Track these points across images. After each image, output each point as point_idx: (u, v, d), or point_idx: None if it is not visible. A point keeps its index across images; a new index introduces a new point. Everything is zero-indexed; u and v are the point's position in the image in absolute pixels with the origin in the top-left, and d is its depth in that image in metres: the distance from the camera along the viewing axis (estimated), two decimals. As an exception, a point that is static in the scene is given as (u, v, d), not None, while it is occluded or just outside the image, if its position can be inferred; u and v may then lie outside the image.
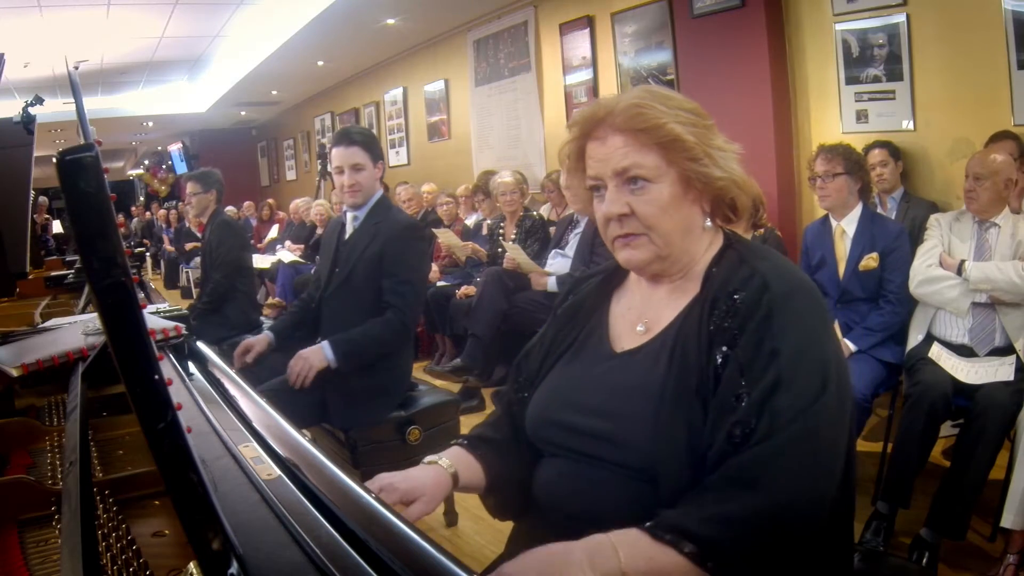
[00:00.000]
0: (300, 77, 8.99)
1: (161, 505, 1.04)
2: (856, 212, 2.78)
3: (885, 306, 2.67)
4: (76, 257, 3.75)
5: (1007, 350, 2.41)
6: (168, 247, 10.64)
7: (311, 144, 10.71)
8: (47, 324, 1.94)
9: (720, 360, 0.95)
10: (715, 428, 0.92)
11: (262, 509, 0.83)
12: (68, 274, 3.32)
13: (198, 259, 5.71)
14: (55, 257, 4.63)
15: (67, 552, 0.74)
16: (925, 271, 2.55)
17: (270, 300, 6.84)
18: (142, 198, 17.28)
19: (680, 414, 0.95)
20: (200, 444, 1.01)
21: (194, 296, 6.79)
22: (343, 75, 9.11)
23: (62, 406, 1.48)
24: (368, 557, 0.71)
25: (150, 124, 12.21)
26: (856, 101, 3.80)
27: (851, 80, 3.79)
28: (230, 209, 7.42)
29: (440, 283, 4.99)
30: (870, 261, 2.69)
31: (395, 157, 8.51)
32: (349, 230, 2.47)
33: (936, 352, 2.45)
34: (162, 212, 12.44)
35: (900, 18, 3.54)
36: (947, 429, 2.44)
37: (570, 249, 4.00)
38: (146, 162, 17.27)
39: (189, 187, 3.93)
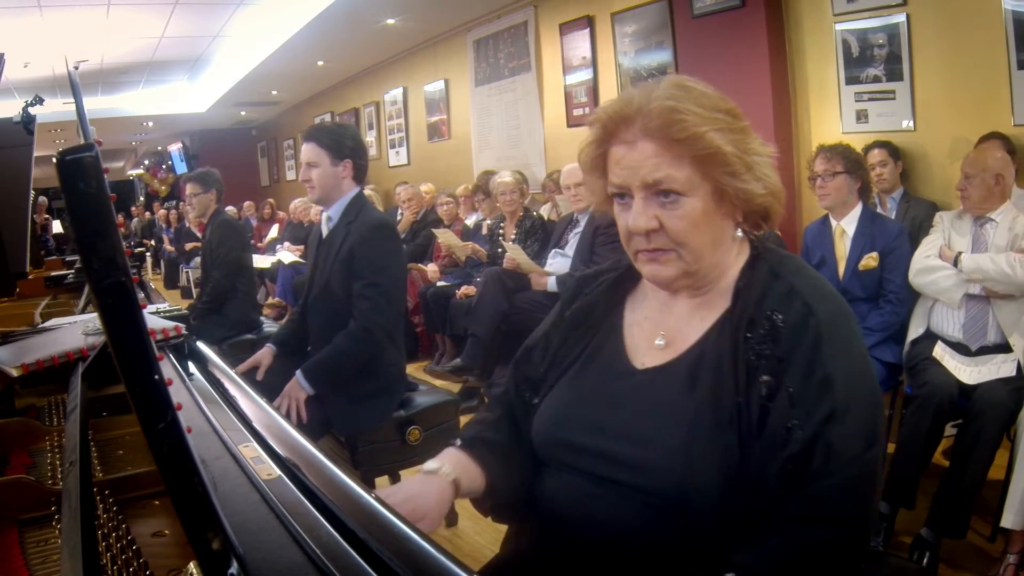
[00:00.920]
0: (300, 77, 8.99)
1: (161, 505, 1.04)
2: (856, 212, 2.78)
3: (885, 306, 2.68)
4: (76, 257, 3.75)
5: (1000, 347, 2.42)
6: (168, 247, 10.65)
7: (311, 144, 10.69)
8: (47, 324, 1.94)
9: (765, 392, 0.89)
10: (765, 461, 0.87)
11: (262, 509, 0.83)
12: (68, 274, 3.33)
13: (198, 259, 5.72)
14: (55, 257, 4.64)
15: (67, 552, 0.74)
16: (923, 261, 2.59)
17: (270, 300, 6.84)
18: (142, 198, 17.28)
19: (715, 442, 0.90)
20: (200, 444, 1.01)
21: (194, 296, 6.78)
22: (343, 75, 9.11)
23: (62, 406, 1.48)
24: (368, 557, 0.71)
25: (150, 124, 12.22)
26: (856, 101, 3.80)
27: (851, 80, 3.79)
28: (230, 209, 7.42)
29: (440, 283, 4.99)
30: (870, 261, 2.69)
31: (395, 157, 8.52)
32: (324, 231, 2.44)
33: (939, 352, 2.46)
34: (162, 212, 12.44)
35: (900, 18, 3.54)
36: (946, 429, 2.44)
37: (570, 249, 4.00)
38: (146, 162, 17.28)
39: (189, 188, 3.93)
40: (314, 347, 2.39)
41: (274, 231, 8.80)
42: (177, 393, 1.10)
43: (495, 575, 1.08)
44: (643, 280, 1.08)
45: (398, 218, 6.31)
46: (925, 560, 2.16)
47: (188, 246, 9.06)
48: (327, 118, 10.17)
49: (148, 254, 11.28)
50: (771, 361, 0.90)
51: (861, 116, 3.79)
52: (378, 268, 2.29)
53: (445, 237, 5.19)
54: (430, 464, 1.04)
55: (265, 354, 2.45)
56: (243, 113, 11.92)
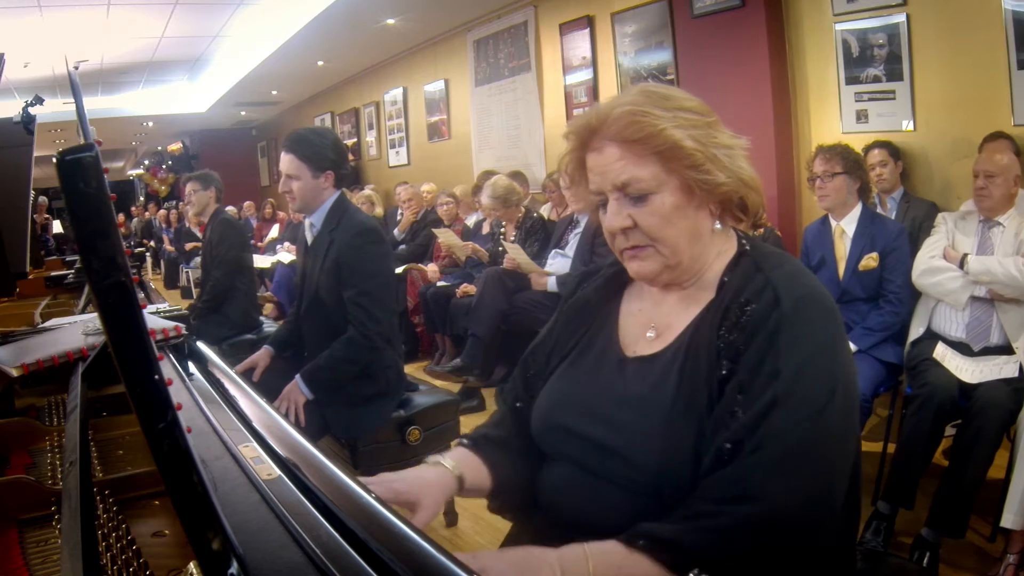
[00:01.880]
0: (300, 77, 8.99)
1: (161, 505, 1.04)
2: (856, 212, 2.78)
3: (885, 306, 2.68)
4: (76, 257, 3.76)
5: (1002, 349, 2.42)
6: (168, 247, 10.64)
7: (311, 144, 10.69)
8: (47, 324, 1.94)
9: (724, 374, 0.93)
10: (709, 443, 0.90)
11: (262, 509, 0.83)
12: (68, 274, 3.33)
13: (198, 259, 5.72)
14: (55, 257, 4.64)
15: (67, 552, 0.74)
16: (928, 262, 2.58)
17: (262, 293, 6.81)
18: (142, 198, 17.28)
19: (688, 429, 0.93)
20: (200, 444, 1.01)
21: (194, 296, 6.78)
22: (343, 75, 9.11)
23: (62, 406, 1.48)
24: (368, 557, 0.71)
25: (150, 124, 12.22)
26: (856, 101, 3.80)
27: (851, 80, 3.80)
28: (230, 209, 7.41)
29: (440, 283, 4.99)
30: (870, 261, 2.69)
31: (395, 157, 8.52)
32: (309, 239, 2.42)
33: (940, 352, 2.46)
34: (162, 212, 12.44)
35: (900, 18, 3.54)
36: (946, 429, 2.44)
37: (570, 249, 4.00)
38: (146, 162, 17.28)
39: (188, 186, 3.96)
40: (311, 354, 2.39)
41: (274, 231, 8.79)
42: (177, 393, 1.10)
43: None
44: None
45: (398, 218, 6.31)
46: (925, 560, 2.16)
47: (188, 246, 9.06)
48: (327, 118, 10.18)
49: (148, 254, 11.28)
50: (731, 350, 0.94)
51: (861, 116, 3.79)
52: (366, 275, 2.27)
53: (445, 237, 5.19)
54: (434, 457, 1.07)
55: (262, 355, 2.45)
56: (243, 113, 11.92)
